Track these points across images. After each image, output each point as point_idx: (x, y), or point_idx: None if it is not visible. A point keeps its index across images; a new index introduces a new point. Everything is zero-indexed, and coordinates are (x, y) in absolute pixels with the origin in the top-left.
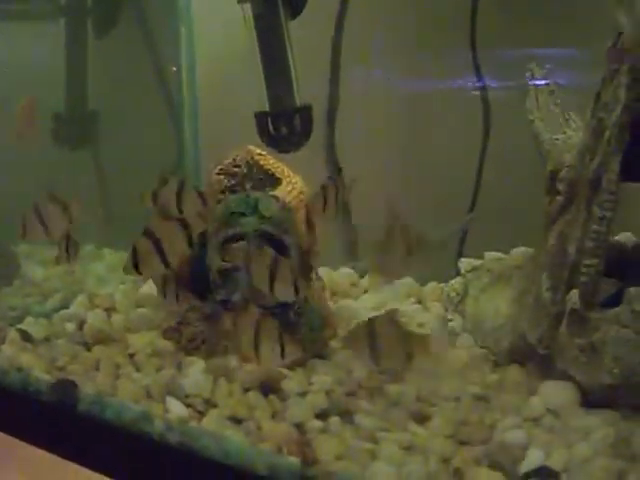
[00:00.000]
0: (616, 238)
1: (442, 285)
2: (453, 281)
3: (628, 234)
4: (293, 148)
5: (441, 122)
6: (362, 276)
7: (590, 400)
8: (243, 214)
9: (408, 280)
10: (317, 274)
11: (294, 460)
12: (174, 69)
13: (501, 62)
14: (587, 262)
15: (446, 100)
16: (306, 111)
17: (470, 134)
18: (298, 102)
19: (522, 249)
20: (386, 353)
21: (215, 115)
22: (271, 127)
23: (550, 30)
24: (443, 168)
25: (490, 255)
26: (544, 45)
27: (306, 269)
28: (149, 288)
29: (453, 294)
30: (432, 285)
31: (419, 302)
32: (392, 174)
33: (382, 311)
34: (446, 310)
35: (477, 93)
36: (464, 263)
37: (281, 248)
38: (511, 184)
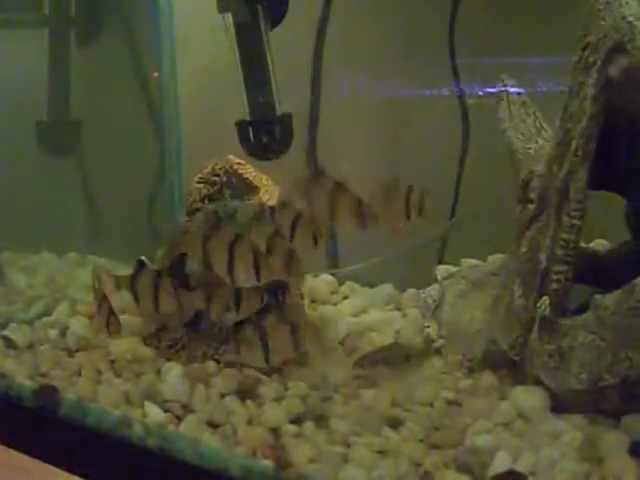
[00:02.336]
0: (590, 245)
1: (420, 291)
2: (430, 288)
3: (603, 241)
4: (273, 156)
5: (421, 128)
6: (342, 283)
7: (559, 405)
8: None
9: (387, 286)
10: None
11: (268, 463)
12: (156, 74)
13: (481, 69)
14: (557, 269)
15: (426, 107)
16: (286, 120)
17: (451, 141)
18: (278, 111)
19: (499, 256)
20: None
21: (198, 123)
22: (252, 136)
23: (531, 38)
24: (424, 173)
25: (466, 262)
26: (525, 53)
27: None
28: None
29: (430, 301)
30: (410, 291)
31: (398, 309)
32: (373, 180)
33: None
34: (423, 317)
35: (456, 100)
36: (440, 270)
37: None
38: (493, 190)
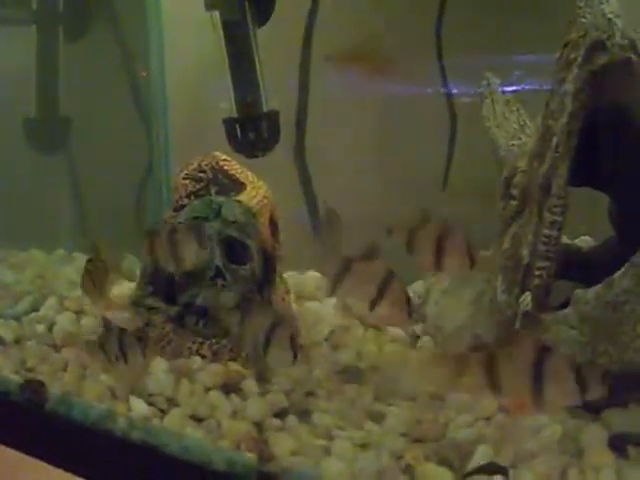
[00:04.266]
0: (575, 241)
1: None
2: (415, 284)
3: (587, 238)
4: (260, 153)
5: (408, 127)
6: None
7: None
8: (207, 219)
9: None
10: (281, 277)
11: (251, 456)
12: (144, 74)
13: (469, 67)
14: (539, 265)
15: (413, 105)
16: (273, 117)
17: (439, 139)
18: (265, 108)
19: (483, 253)
20: None
21: (186, 120)
22: (239, 133)
23: (519, 36)
24: (411, 171)
25: None
26: (514, 52)
27: (270, 273)
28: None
29: (415, 297)
30: None
31: None
32: (361, 178)
33: None
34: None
35: (445, 99)
36: None
37: (244, 252)
38: (481, 187)
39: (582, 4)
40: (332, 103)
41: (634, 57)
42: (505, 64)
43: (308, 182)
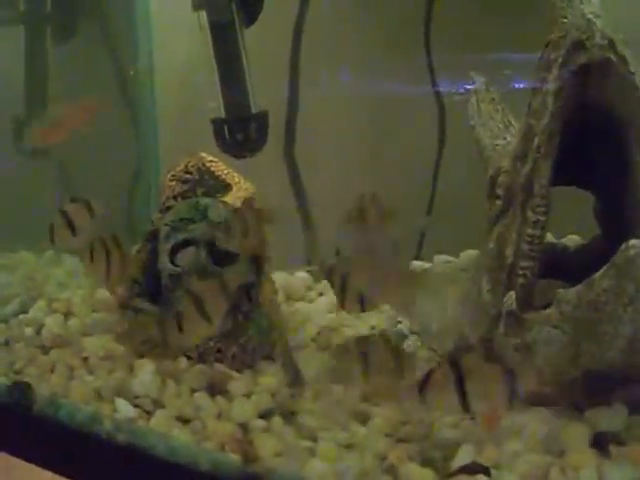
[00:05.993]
0: (562, 240)
1: None
2: None
3: (575, 237)
4: (248, 154)
5: (397, 126)
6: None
7: (525, 398)
8: (192, 220)
9: None
10: (269, 278)
11: (236, 457)
12: (132, 72)
13: (458, 66)
14: (523, 264)
15: (403, 104)
16: (261, 117)
17: (428, 138)
18: (254, 108)
19: (471, 252)
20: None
21: (174, 121)
22: (227, 133)
23: (509, 35)
24: (400, 170)
25: (439, 258)
26: (503, 50)
27: (257, 274)
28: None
29: None
30: None
31: None
32: (350, 178)
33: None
34: (396, 312)
35: (433, 97)
36: (414, 266)
37: (230, 254)
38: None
39: (563, 4)
40: (321, 103)
41: (613, 57)
42: (493, 63)
43: (298, 182)
